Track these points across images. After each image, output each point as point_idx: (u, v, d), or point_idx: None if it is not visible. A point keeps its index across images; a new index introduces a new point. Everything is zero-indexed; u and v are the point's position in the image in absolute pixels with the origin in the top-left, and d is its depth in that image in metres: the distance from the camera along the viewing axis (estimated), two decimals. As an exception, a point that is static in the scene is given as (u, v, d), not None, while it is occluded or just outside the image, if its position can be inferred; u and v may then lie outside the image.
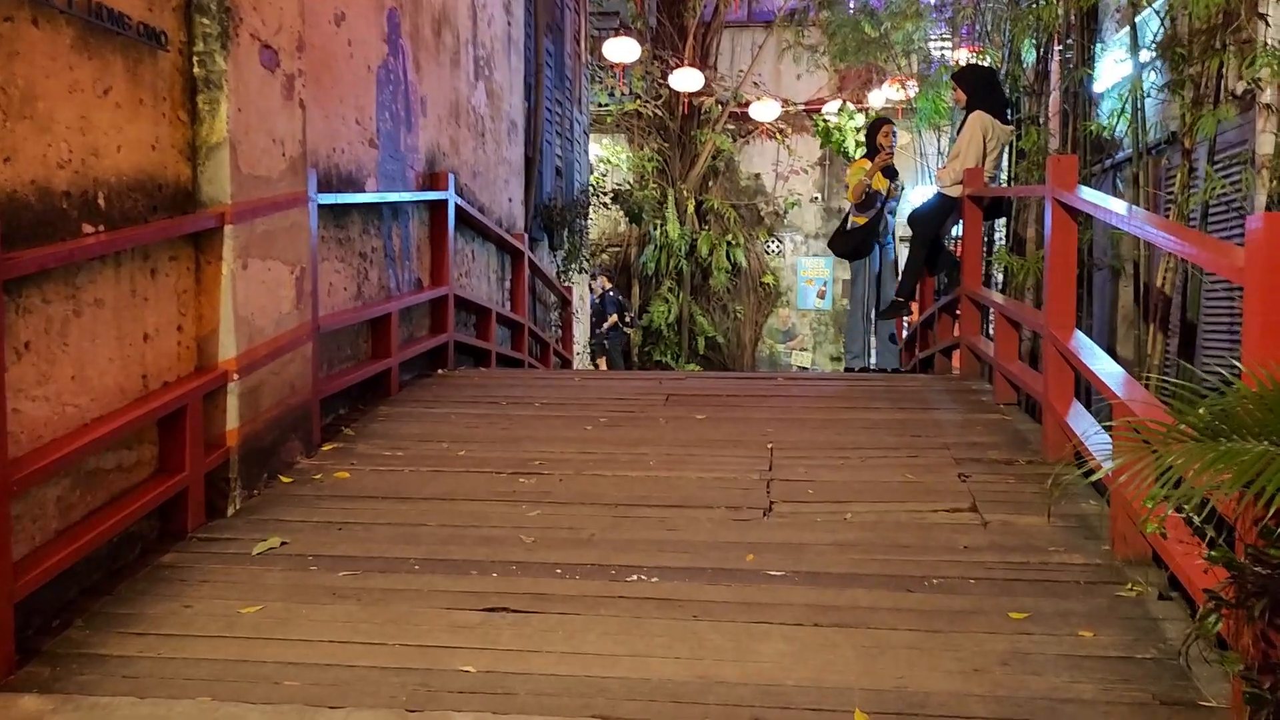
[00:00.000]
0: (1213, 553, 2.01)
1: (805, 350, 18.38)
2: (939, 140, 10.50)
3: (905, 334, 7.95)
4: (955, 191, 6.13)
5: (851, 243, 7.28)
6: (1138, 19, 6.11)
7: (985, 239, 6.60)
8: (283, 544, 3.35)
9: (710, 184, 17.33)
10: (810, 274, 18.18)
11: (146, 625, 2.80)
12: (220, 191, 3.55)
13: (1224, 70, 3.95)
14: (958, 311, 6.78)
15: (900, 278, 6.78)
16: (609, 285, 15.50)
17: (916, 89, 13.16)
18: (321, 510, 3.67)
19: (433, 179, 6.21)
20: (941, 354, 6.82)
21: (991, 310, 5.64)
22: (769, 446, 4.27)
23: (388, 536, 3.42)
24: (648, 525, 3.47)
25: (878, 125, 7.34)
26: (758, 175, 17.82)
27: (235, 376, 3.62)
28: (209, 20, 3.50)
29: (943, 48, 11.19)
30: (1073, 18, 5.27)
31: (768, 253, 17.92)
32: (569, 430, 4.66)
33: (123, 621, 2.82)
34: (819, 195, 17.80)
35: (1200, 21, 3.97)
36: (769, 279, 17.78)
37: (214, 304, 3.58)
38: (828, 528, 3.40)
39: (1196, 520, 2.05)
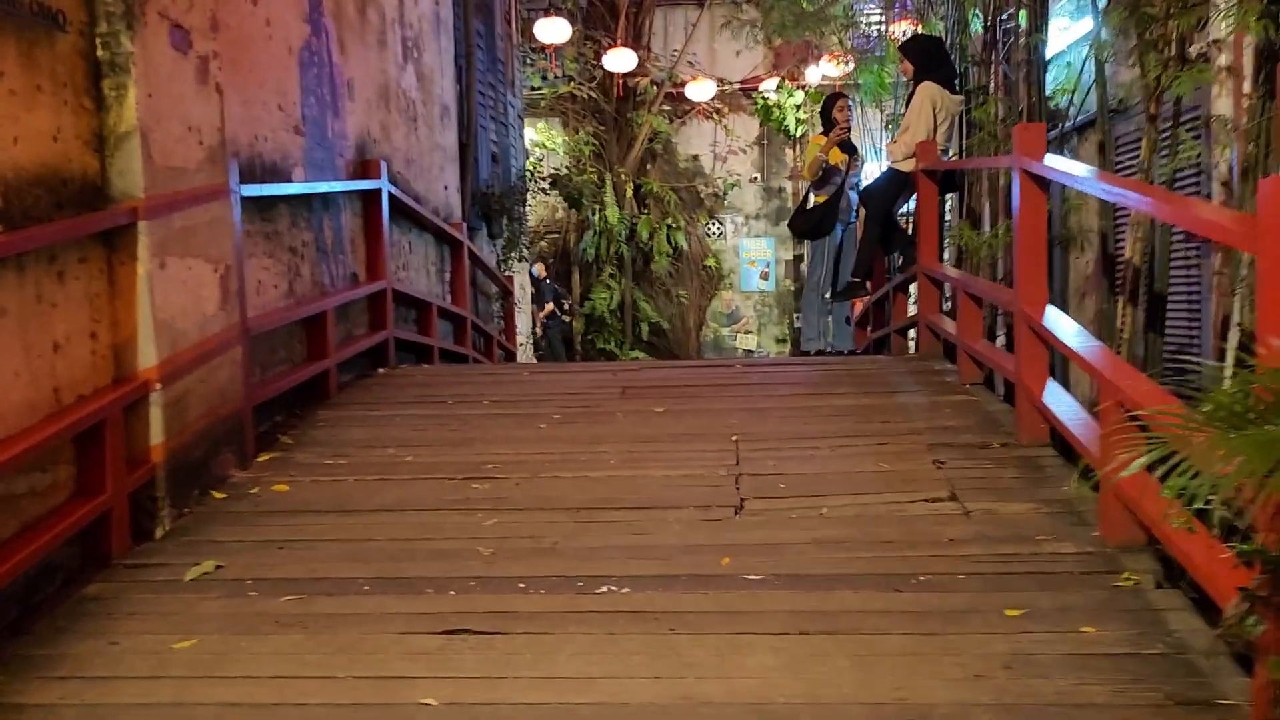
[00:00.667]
0: (1244, 547, 1.85)
1: (750, 333, 18.26)
2: (880, 115, 10.40)
3: (858, 313, 7.81)
4: (907, 166, 5.98)
5: (812, 221, 7.11)
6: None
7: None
8: (218, 568, 3.07)
9: (648, 167, 17.11)
10: (753, 255, 18.04)
11: (70, 667, 2.52)
12: (132, 185, 3.24)
13: (1184, 33, 3.84)
14: (912, 289, 6.66)
15: (856, 257, 6.62)
16: (544, 273, 15.24)
17: (853, 64, 13.12)
18: (260, 528, 3.40)
19: (364, 167, 5.90)
20: (897, 333, 6.69)
21: (951, 288, 5.52)
22: (734, 439, 4.08)
23: (334, 554, 3.16)
24: (614, 530, 3.25)
25: (833, 100, 7.17)
26: (696, 156, 17.61)
27: (157, 386, 3.32)
28: (112, -2, 3.18)
29: (878, 22, 11.09)
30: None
31: (709, 235, 17.76)
32: (522, 429, 4.42)
33: (43, 664, 2.54)
34: (758, 175, 17.64)
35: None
36: (711, 262, 17.63)
37: (130, 308, 3.28)
38: (804, 525, 3.22)
39: (1221, 514, 1.88)
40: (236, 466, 3.91)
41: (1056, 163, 3.53)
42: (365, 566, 3.04)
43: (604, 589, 2.81)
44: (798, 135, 16.37)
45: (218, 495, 3.65)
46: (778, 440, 4.07)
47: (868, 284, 6.62)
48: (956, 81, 6.18)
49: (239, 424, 3.96)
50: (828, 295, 7.20)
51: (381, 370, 5.85)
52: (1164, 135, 4.08)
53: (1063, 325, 3.47)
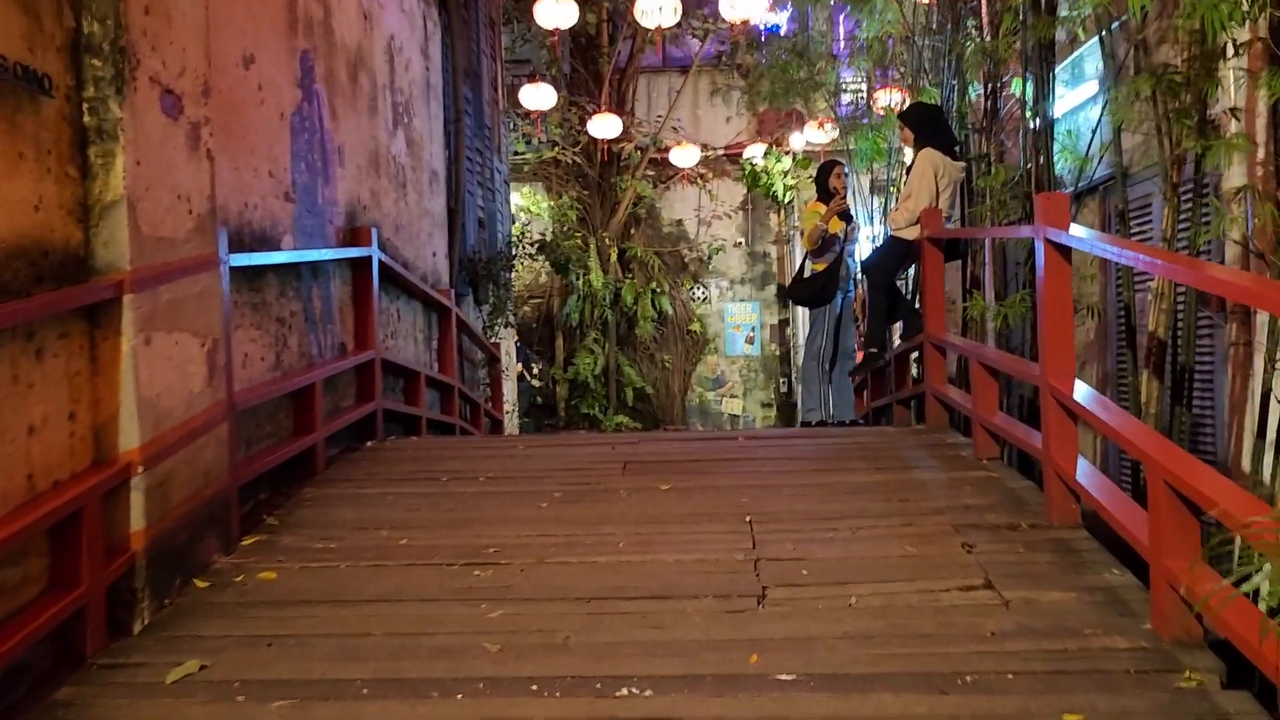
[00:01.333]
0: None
1: (736, 397, 18.11)
2: (870, 181, 10.39)
3: (856, 381, 7.66)
4: (910, 234, 5.88)
5: (812, 289, 6.98)
6: (1082, 49, 5.98)
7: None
8: (202, 668, 2.83)
9: (633, 231, 17.07)
10: (738, 320, 17.96)
11: (35, 789, 2.27)
12: (117, 256, 3.05)
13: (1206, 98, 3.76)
14: (915, 357, 6.53)
15: (866, 327, 6.47)
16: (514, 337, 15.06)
17: (838, 131, 13.18)
18: (246, 621, 3.16)
19: (354, 234, 5.74)
20: (898, 402, 6.54)
21: (962, 357, 5.38)
22: (747, 519, 3.88)
23: (327, 652, 2.92)
24: (629, 623, 3.03)
25: (829, 167, 7.09)
26: (680, 221, 17.60)
27: (140, 469, 3.10)
28: (101, 62, 3.03)
29: (861, 90, 11.13)
30: (1029, 50, 5.08)
31: (693, 300, 17.68)
32: (522, 508, 4.20)
33: (5, 785, 2.29)
34: (743, 240, 17.63)
35: (1193, 46, 3.78)
36: (696, 326, 17.53)
37: (113, 386, 3.07)
38: (833, 616, 3.01)
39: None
40: (220, 552, 3.67)
41: (1083, 232, 3.41)
42: (363, 666, 2.80)
43: (624, 691, 2.59)
44: (785, 201, 16.41)
45: (201, 584, 3.41)
46: (794, 520, 3.88)
47: (885, 354, 6.44)
48: (957, 148, 6.11)
49: (224, 505, 3.73)
50: (828, 365, 7.05)
51: (370, 443, 5.63)
52: (1185, 203, 3.98)
53: (1095, 401, 3.31)
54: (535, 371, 15.50)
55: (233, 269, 3.96)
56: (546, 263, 15.98)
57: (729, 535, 3.73)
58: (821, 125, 13.22)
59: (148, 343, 3.16)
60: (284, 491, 4.50)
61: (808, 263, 7.10)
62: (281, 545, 3.82)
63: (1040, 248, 3.56)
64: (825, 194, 7.06)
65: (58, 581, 2.85)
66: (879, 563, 3.40)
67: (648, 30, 12.36)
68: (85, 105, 3.02)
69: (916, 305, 6.73)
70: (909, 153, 9.07)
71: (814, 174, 7.73)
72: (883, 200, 9.46)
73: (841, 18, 13.20)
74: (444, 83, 8.39)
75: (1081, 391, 3.39)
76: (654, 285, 16.67)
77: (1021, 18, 5.19)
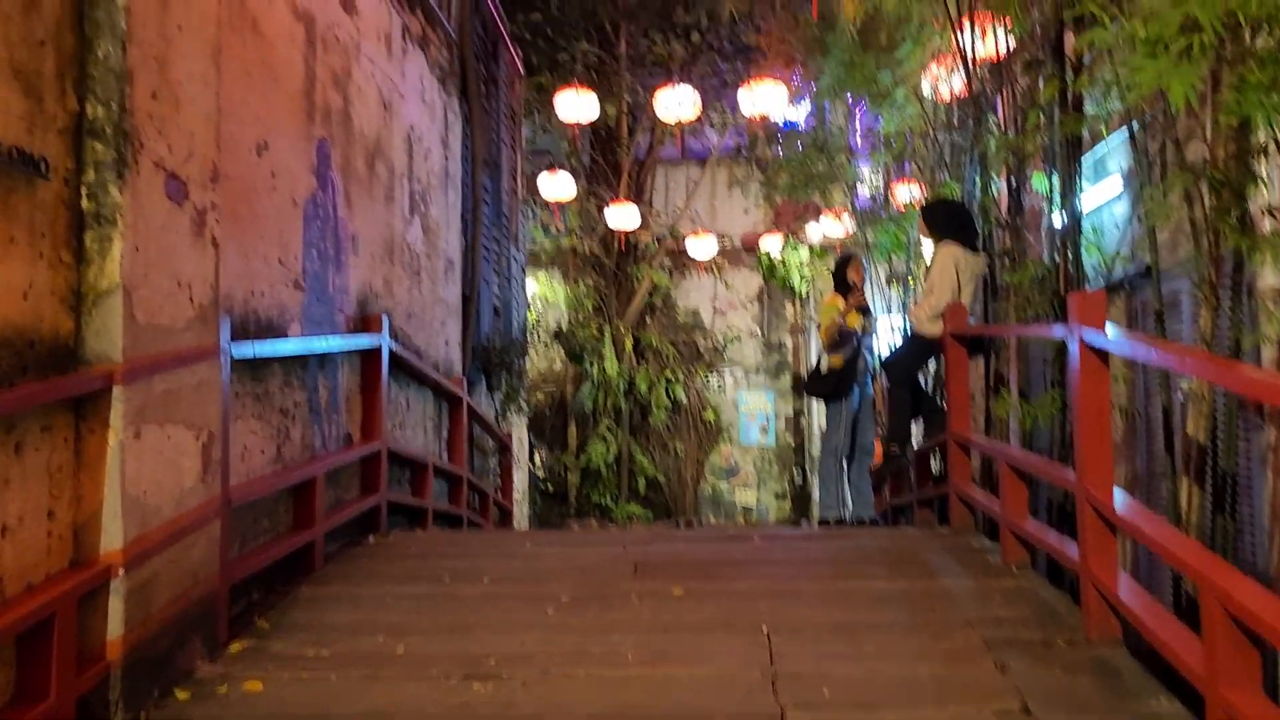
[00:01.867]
0: None
1: (749, 488, 17.83)
2: (888, 272, 10.29)
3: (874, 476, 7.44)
4: (932, 329, 5.74)
5: (829, 384, 6.81)
6: (1106, 143, 5.90)
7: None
8: (174, 792, 2.62)
9: (648, 320, 17.02)
10: (752, 409, 17.77)
11: None
12: (109, 346, 2.92)
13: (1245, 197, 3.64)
14: (934, 454, 6.33)
15: (887, 423, 6.28)
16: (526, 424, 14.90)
17: (855, 223, 13.17)
18: (226, 739, 2.94)
19: (364, 322, 5.63)
20: (920, 502, 6.32)
21: (987, 457, 5.18)
22: (764, 629, 3.65)
23: (310, 776, 2.70)
24: (638, 749, 2.80)
25: (846, 260, 6.99)
26: (696, 310, 17.56)
27: (120, 571, 2.93)
28: (103, 146, 2.94)
29: (877, 183, 11.12)
30: (1055, 146, 5.00)
31: (707, 388, 17.54)
32: (527, 613, 3.98)
33: None
34: (758, 329, 17.55)
35: (1229, 142, 3.66)
36: (710, 415, 17.35)
37: (97, 482, 2.91)
38: (859, 745, 2.78)
39: None
40: (205, 658, 3.46)
41: (1121, 335, 3.25)
42: (347, 794, 2.58)
43: (631, 831, 2.35)
44: (802, 293, 16.37)
45: (181, 695, 3.20)
46: (814, 632, 3.65)
47: (907, 453, 6.25)
48: (979, 243, 6.01)
49: (211, 608, 3.54)
50: (846, 461, 6.84)
51: (372, 538, 5.44)
52: (1223, 302, 3.83)
53: (1137, 512, 3.11)
54: (539, 459, 15.30)
55: (235, 359, 3.84)
56: (561, 350, 15.93)
57: (745, 648, 3.50)
58: (838, 217, 13.23)
59: (137, 436, 3.01)
60: (278, 590, 4.30)
61: (824, 357, 6.96)
62: (271, 652, 3.61)
63: (1075, 349, 3.40)
64: (843, 287, 6.95)
65: (23, 694, 2.65)
66: (906, 683, 3.16)
67: (667, 124, 12.48)
68: (84, 189, 2.93)
69: (939, 402, 6.55)
70: (928, 245, 9.01)
71: (831, 266, 7.65)
72: (900, 292, 9.35)
73: (859, 112, 13.30)
74: (463, 172, 8.40)
75: (1122, 501, 3.19)
76: (668, 374, 16.56)
77: (1047, 114, 5.12)
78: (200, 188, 3.41)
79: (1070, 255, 4.90)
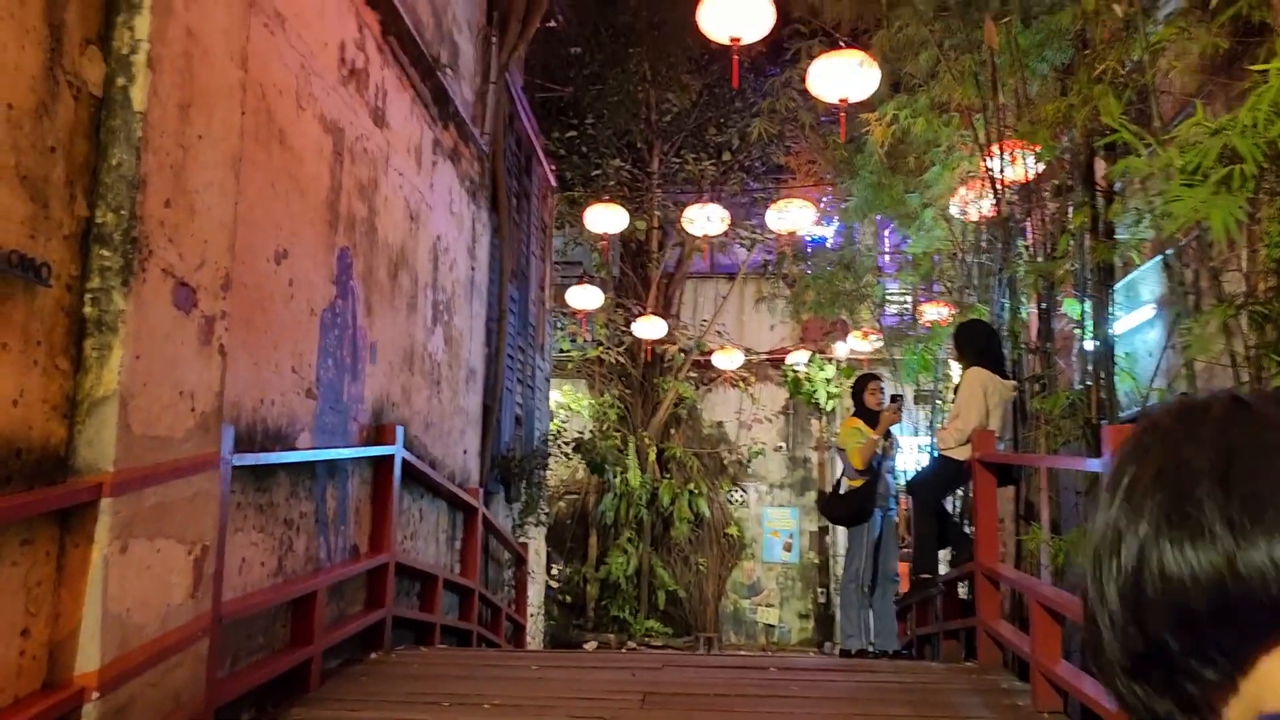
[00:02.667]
0: None
1: (772, 606, 17.37)
2: (912, 391, 10.17)
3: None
4: (960, 454, 5.58)
5: (849, 507, 6.62)
6: (1136, 272, 5.82)
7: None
8: None
9: (672, 431, 16.89)
10: (776, 525, 17.44)
11: None
12: (100, 456, 2.84)
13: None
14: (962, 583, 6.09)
15: (914, 554, 6.06)
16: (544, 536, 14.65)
17: (881, 341, 13.10)
18: None
19: (379, 432, 5.55)
20: (946, 634, 6.05)
21: (1017, 591, 4.95)
22: (776, 777, 3.42)
23: None
24: None
25: (864, 382, 6.88)
26: (720, 423, 17.42)
27: (95, 695, 2.78)
28: (110, 252, 2.91)
29: (905, 302, 11.10)
30: (1087, 273, 4.91)
31: (731, 503, 17.27)
32: (525, 747, 3.77)
33: None
34: (783, 444, 17.35)
35: (1270, 275, 3.56)
36: (733, 530, 17.04)
37: (77, 599, 2.79)
38: None
39: None
40: (184, 787, 3.28)
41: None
42: None
43: None
44: (828, 409, 16.22)
45: (152, 829, 3.01)
46: (829, 783, 3.41)
47: (938, 580, 5.98)
48: (1007, 368, 5.88)
49: (194, 733, 3.36)
50: (868, 588, 6.60)
51: (374, 655, 5.25)
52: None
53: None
54: (554, 572, 14.99)
55: (240, 468, 3.75)
56: (585, 464, 15.79)
57: (755, 798, 3.27)
58: (866, 335, 13.18)
59: (123, 551, 2.90)
60: (269, 712, 4.11)
61: (843, 478, 6.78)
62: (253, 781, 3.42)
63: (1107, 486, 3.23)
64: (861, 408, 6.82)
65: (-21, 827, 2.49)
66: None
67: (695, 238, 12.60)
68: (88, 295, 2.88)
69: (966, 529, 6.34)
70: (955, 367, 8.88)
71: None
72: (928, 411, 9.20)
73: (888, 232, 13.38)
74: (489, 282, 8.42)
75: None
76: (692, 486, 16.34)
77: (1078, 240, 5.05)
78: (211, 296, 3.37)
79: (1103, 383, 4.76)
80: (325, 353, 4.83)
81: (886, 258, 15.05)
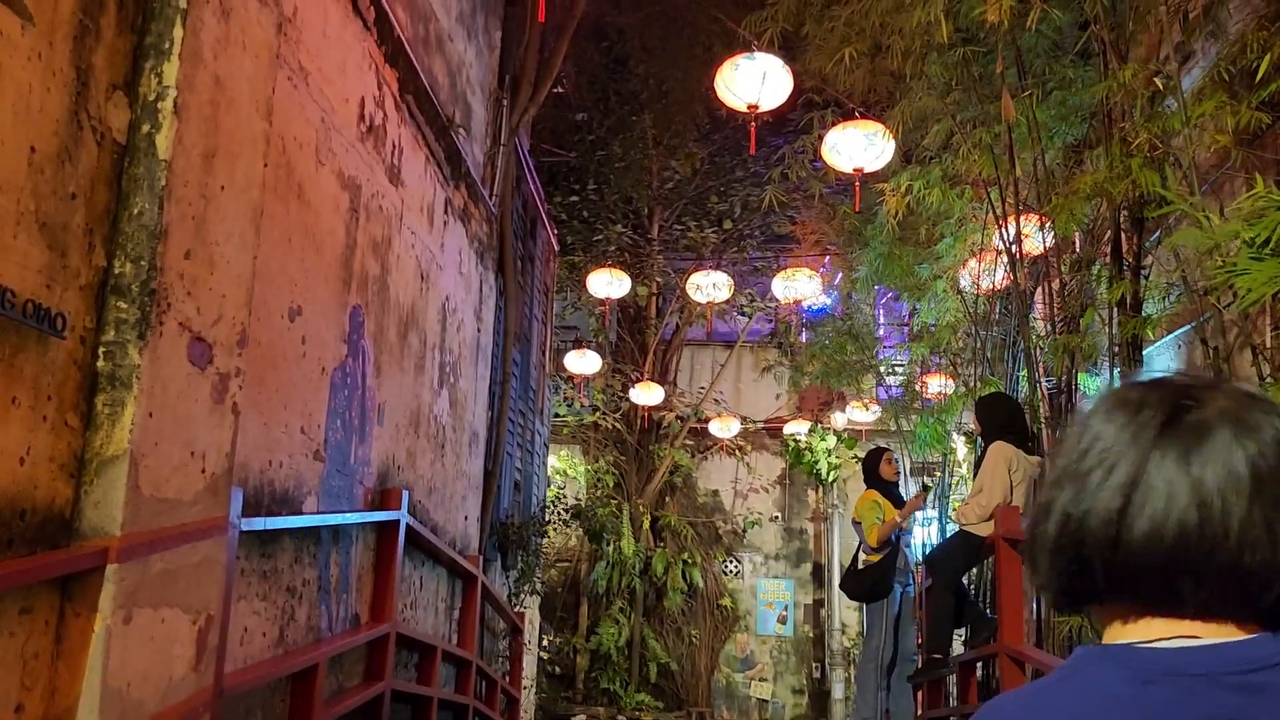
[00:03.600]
0: None
1: (765, 680, 16.99)
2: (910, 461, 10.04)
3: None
4: (983, 530, 5.42)
5: (866, 584, 6.44)
6: (1154, 346, 5.73)
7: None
8: None
9: (667, 499, 16.68)
10: (770, 597, 17.14)
11: None
12: (108, 520, 2.67)
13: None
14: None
15: (928, 631, 5.87)
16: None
17: (879, 411, 12.99)
18: None
19: (384, 496, 5.37)
20: (962, 717, 5.83)
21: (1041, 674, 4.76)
22: None
23: None
24: None
25: (878, 455, 6.75)
26: (716, 492, 17.22)
27: (90, 777, 2.58)
28: (127, 304, 2.77)
29: (907, 372, 11.00)
30: (1115, 346, 4.82)
31: (725, 573, 17.00)
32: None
33: None
34: (779, 514, 17.14)
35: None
36: (727, 601, 16.75)
37: (76, 673, 2.60)
38: None
39: None
40: None
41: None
42: None
43: None
44: (829, 479, 16.04)
45: None
46: None
47: (950, 662, 5.79)
48: (1030, 444, 5.76)
49: (189, 818, 3.14)
50: (886, 667, 6.38)
51: (372, 732, 5.01)
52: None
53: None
54: (544, 643, 14.63)
55: (246, 533, 3.58)
56: (578, 527, 15.55)
57: None
58: (866, 406, 13.09)
59: (127, 621, 2.72)
60: (265, 793, 3.88)
61: (860, 554, 6.60)
62: None
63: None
64: (875, 481, 6.68)
65: None
66: None
67: (696, 305, 12.54)
68: (102, 349, 2.74)
69: (984, 607, 6.15)
70: (958, 440, 8.76)
71: (859, 455, 7.39)
72: (934, 483, 9.03)
73: (893, 303, 13.34)
74: (494, 345, 8.31)
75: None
76: (686, 556, 16.09)
77: (1104, 315, 4.96)
78: (226, 352, 3.23)
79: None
80: (334, 413, 4.68)
81: (883, 329, 15.04)
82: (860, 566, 6.49)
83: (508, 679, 9.27)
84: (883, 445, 7.29)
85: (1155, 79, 4.19)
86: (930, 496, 6.52)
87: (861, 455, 7.06)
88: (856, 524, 6.57)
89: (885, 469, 6.64)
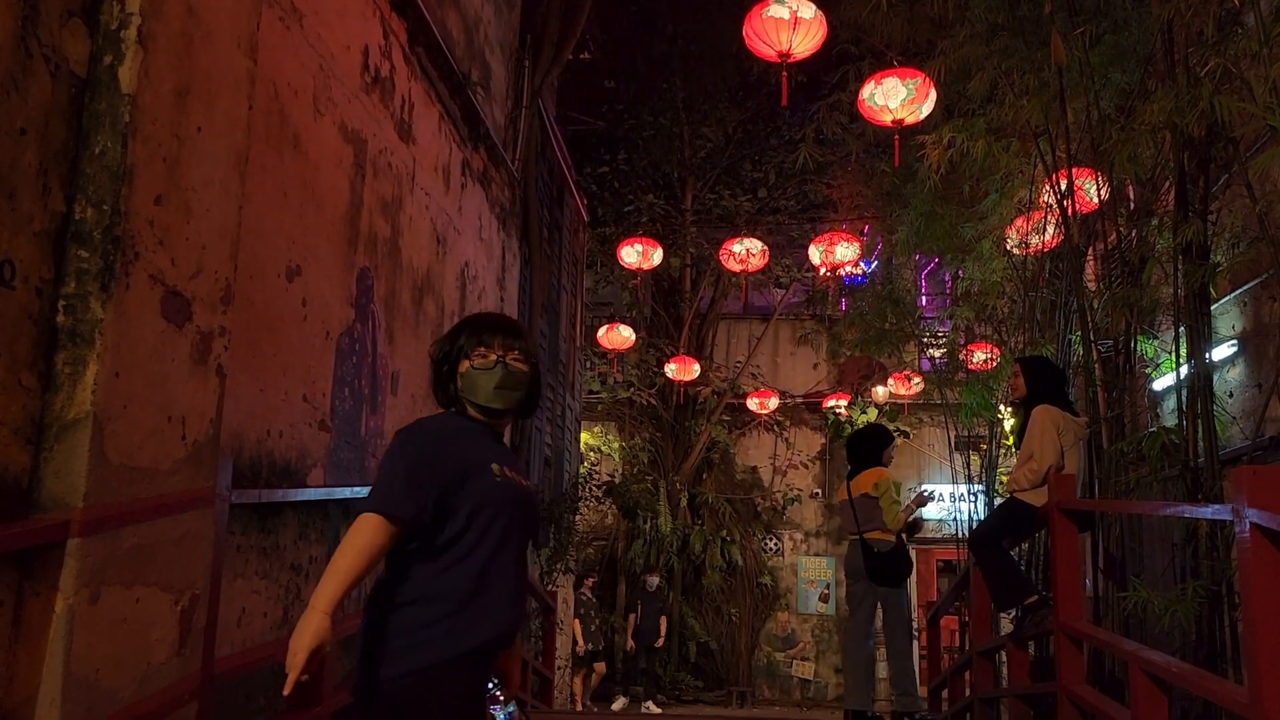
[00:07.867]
0: None
1: (807, 660, 16.68)
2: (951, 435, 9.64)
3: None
4: (1035, 499, 5.05)
5: (895, 567, 6.12)
6: (1215, 305, 5.33)
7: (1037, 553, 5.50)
8: None
9: (704, 476, 16.37)
10: (812, 575, 16.80)
11: None
12: (69, 489, 2.42)
13: None
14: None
15: (999, 588, 5.41)
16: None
17: (921, 384, 12.56)
18: None
19: (400, 469, 5.11)
20: (1019, 699, 5.49)
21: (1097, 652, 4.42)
22: None
23: None
24: None
25: (887, 437, 6.39)
26: (754, 468, 16.88)
27: (52, 774, 2.34)
28: (89, 253, 2.51)
29: (949, 341, 10.58)
30: (1180, 300, 4.43)
31: (765, 551, 16.68)
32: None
33: None
34: (819, 491, 16.77)
35: None
36: (767, 579, 16.43)
37: (35, 658, 2.36)
38: None
39: None
40: None
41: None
42: None
43: None
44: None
45: None
46: None
47: (1045, 596, 5.30)
48: (1075, 406, 5.37)
49: (177, 813, 2.91)
50: (871, 641, 6.14)
51: (390, 716, 4.76)
52: None
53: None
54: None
55: (238, 506, 3.33)
56: (613, 504, 15.30)
57: None
58: (908, 379, 12.67)
59: (93, 601, 2.47)
60: (270, 783, 3.65)
61: (875, 533, 6.18)
62: None
63: (1247, 537, 2.74)
64: (877, 462, 6.33)
65: None
66: None
67: (731, 276, 12.18)
68: (61, 302, 2.48)
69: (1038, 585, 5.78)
70: (1004, 410, 8.35)
71: (902, 428, 7.01)
72: (977, 458, 8.62)
73: (935, 268, 12.90)
74: (519, 314, 8.03)
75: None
76: (724, 533, 15.78)
77: (1173, 266, 4.55)
78: (208, 309, 2.96)
79: (1201, 422, 4.26)
80: (341, 382, 4.43)
81: (925, 297, 14.57)
82: (876, 550, 6.10)
83: (540, 659, 9.04)
84: (887, 429, 6.80)
85: (1228, -7, 3.80)
86: (927, 503, 6.26)
87: (906, 429, 6.68)
88: (871, 499, 6.13)
89: (890, 454, 6.32)
